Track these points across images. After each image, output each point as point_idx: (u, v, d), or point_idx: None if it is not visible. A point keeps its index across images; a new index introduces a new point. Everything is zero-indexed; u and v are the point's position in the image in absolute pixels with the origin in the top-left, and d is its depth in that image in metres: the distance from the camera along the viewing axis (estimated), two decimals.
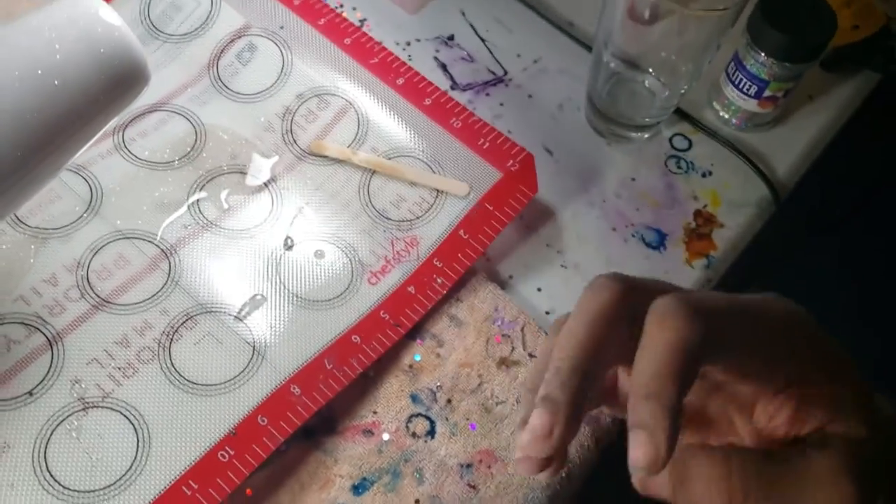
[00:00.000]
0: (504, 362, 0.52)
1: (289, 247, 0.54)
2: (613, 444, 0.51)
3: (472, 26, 0.66)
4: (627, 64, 0.59)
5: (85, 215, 0.52)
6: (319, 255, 0.54)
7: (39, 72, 0.38)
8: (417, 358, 0.52)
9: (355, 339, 0.51)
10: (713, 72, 0.63)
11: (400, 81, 0.59)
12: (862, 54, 0.66)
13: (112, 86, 0.41)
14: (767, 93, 0.60)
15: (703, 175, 0.61)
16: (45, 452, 0.45)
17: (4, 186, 0.38)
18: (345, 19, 0.62)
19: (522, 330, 0.53)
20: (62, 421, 0.46)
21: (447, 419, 0.50)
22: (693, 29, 0.54)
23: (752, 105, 0.61)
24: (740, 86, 0.61)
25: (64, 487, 0.44)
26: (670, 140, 0.63)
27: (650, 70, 0.59)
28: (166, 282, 0.51)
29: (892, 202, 0.67)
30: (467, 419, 0.50)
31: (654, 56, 0.58)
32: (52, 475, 0.44)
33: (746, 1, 0.52)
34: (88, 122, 0.41)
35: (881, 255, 0.65)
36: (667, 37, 0.55)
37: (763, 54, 0.58)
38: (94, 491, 0.44)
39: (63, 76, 0.39)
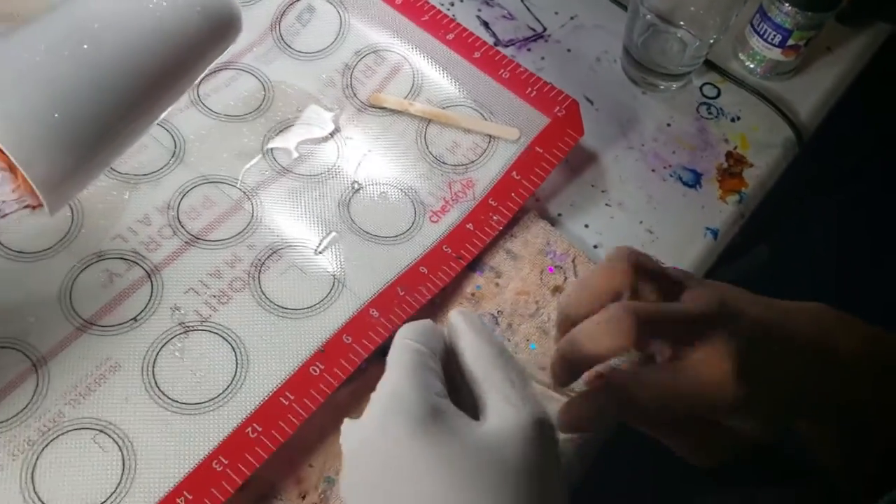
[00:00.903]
0: (558, 290, 0.57)
1: (356, 190, 0.58)
2: None
3: None
4: (661, 18, 0.63)
5: (171, 162, 0.56)
6: (384, 196, 0.58)
7: (156, 18, 0.43)
8: (479, 287, 0.57)
9: (423, 269, 0.55)
10: (738, 25, 0.68)
11: (450, 37, 0.64)
12: (875, 6, 0.71)
13: (213, 33, 0.46)
14: (791, 41, 0.65)
15: (733, 120, 0.66)
16: (153, 370, 0.49)
17: (135, 114, 0.43)
18: None
19: (573, 261, 0.58)
20: (166, 343, 0.50)
21: (509, 340, 0.55)
22: None
23: (776, 54, 0.66)
24: (765, 36, 0.65)
25: (172, 400, 0.48)
26: (701, 88, 0.67)
27: (681, 23, 0.64)
28: (250, 220, 0.55)
29: None
30: (527, 340, 0.55)
31: (685, 10, 0.63)
32: (160, 390, 0.49)
33: None
34: (194, 65, 0.46)
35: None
36: None
37: (787, 4, 0.63)
38: (201, 403, 0.48)
39: (173, 23, 0.44)
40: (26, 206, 0.47)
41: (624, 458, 0.56)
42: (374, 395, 0.39)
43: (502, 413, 0.37)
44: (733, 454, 0.44)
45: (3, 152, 0.43)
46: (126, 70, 0.45)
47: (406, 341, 0.40)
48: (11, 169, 0.45)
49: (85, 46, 0.43)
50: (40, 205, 0.46)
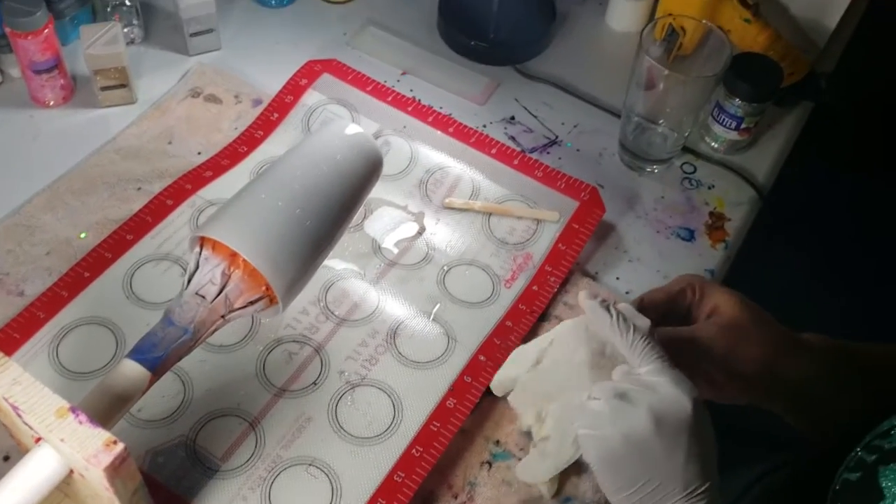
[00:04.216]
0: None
1: (446, 272, 0.78)
2: None
3: (525, 108, 0.93)
4: (646, 119, 0.85)
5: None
6: (468, 274, 0.78)
7: (336, 161, 0.64)
8: None
9: (508, 323, 0.74)
10: (701, 118, 0.90)
11: (493, 151, 0.85)
12: (799, 91, 0.94)
13: (369, 173, 0.67)
14: (743, 125, 0.88)
15: (709, 188, 0.88)
16: (336, 417, 0.67)
17: (331, 236, 0.63)
18: (444, 115, 0.87)
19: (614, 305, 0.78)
20: (341, 397, 0.68)
21: None
22: (690, 90, 0.81)
23: (734, 135, 0.89)
24: (724, 123, 0.88)
25: (355, 437, 0.66)
26: (681, 167, 0.89)
27: (661, 122, 0.86)
28: (378, 302, 0.74)
29: (838, 192, 0.95)
30: None
31: (664, 113, 0.85)
32: (344, 430, 0.67)
33: (727, 67, 0.79)
34: (360, 195, 0.67)
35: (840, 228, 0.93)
36: (672, 98, 0.82)
37: (738, 99, 0.86)
38: (376, 436, 0.66)
39: (350, 169, 0.65)
40: (252, 304, 0.65)
41: None
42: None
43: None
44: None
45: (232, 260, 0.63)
46: (324, 203, 0.66)
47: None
48: (230, 266, 0.63)
49: (296, 187, 0.64)
50: (268, 304, 0.65)
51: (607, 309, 0.57)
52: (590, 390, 0.56)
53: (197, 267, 0.62)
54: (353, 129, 0.72)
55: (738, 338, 0.60)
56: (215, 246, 0.63)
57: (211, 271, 0.62)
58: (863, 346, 0.64)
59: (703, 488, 0.52)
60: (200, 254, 0.63)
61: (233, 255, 0.63)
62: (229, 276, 0.62)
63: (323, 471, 0.64)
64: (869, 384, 0.62)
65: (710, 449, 0.53)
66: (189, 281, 0.62)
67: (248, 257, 0.62)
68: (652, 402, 0.52)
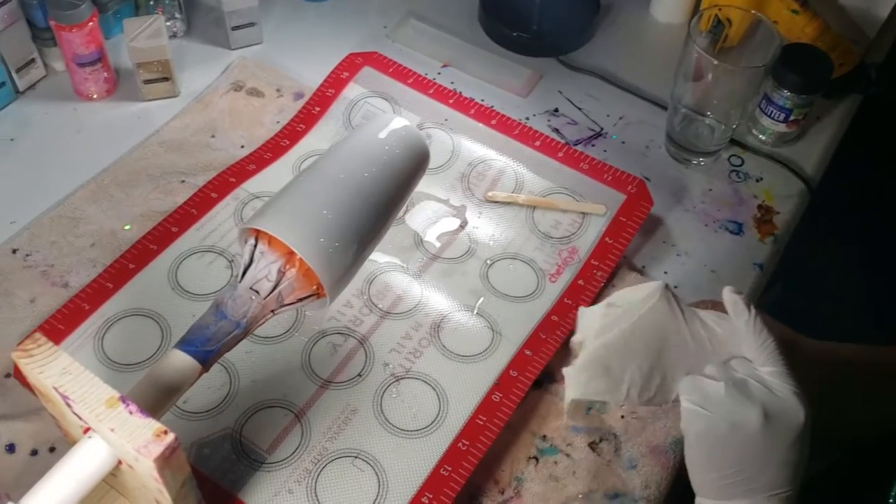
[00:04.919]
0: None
1: (489, 265, 0.77)
2: None
3: (569, 100, 0.91)
4: (693, 111, 0.84)
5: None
6: (511, 268, 0.77)
7: (386, 157, 0.63)
8: None
9: (554, 318, 0.73)
10: (748, 110, 0.88)
11: (537, 143, 0.84)
12: (848, 83, 0.92)
13: (417, 166, 0.66)
14: (792, 117, 0.86)
15: (757, 180, 0.86)
16: (381, 409, 0.66)
17: (378, 229, 0.62)
18: (486, 107, 0.86)
19: None
20: (386, 389, 0.68)
21: None
22: (738, 81, 0.79)
23: (781, 127, 0.87)
24: (772, 115, 0.86)
25: (400, 429, 0.66)
26: (729, 159, 0.88)
27: (709, 114, 0.84)
28: (422, 295, 0.73)
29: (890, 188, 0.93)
30: None
31: (711, 104, 0.83)
32: (390, 423, 0.66)
33: (776, 58, 0.77)
34: (407, 190, 0.66)
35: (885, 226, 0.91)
36: (720, 89, 0.80)
37: (786, 91, 0.84)
38: (421, 429, 0.66)
39: (394, 161, 0.64)
40: (301, 301, 0.65)
41: None
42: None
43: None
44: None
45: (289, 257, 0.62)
46: (374, 201, 0.66)
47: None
48: (286, 264, 0.63)
49: (351, 185, 0.64)
50: (315, 299, 0.65)
51: (748, 306, 0.57)
52: (706, 369, 0.57)
53: (251, 260, 0.62)
54: (399, 122, 0.71)
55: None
56: (271, 241, 0.63)
57: (267, 267, 0.61)
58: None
59: (786, 492, 0.54)
60: (256, 247, 0.62)
61: (290, 254, 0.63)
62: (284, 274, 0.62)
63: (369, 463, 0.64)
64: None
65: (804, 460, 0.54)
66: (243, 274, 0.61)
67: (307, 260, 0.62)
68: (769, 402, 0.53)
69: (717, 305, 0.61)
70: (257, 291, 0.61)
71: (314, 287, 0.63)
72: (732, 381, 0.55)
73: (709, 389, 0.55)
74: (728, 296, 0.58)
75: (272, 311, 0.61)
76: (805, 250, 0.87)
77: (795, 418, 0.53)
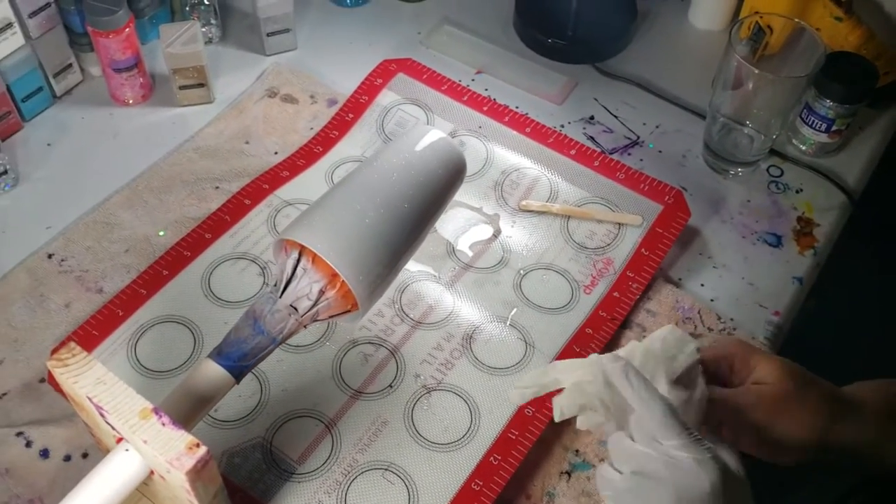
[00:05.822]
0: (692, 335, 0.74)
1: (523, 276, 0.76)
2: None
3: (605, 108, 0.90)
4: (732, 120, 0.82)
5: None
6: (545, 278, 0.76)
7: (424, 173, 0.63)
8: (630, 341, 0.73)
9: (588, 330, 0.72)
10: (789, 120, 0.86)
11: (572, 152, 0.83)
12: (894, 92, 0.90)
13: (453, 178, 0.66)
14: (834, 128, 0.84)
15: (797, 192, 0.84)
16: (412, 421, 0.66)
17: (413, 251, 0.62)
18: (521, 114, 0.85)
19: (699, 313, 0.75)
20: (417, 401, 0.67)
21: None
22: (779, 91, 0.78)
23: (823, 138, 0.85)
24: (813, 125, 0.84)
25: (432, 442, 0.65)
26: (767, 170, 0.86)
27: (748, 123, 0.83)
28: (454, 305, 0.73)
29: None
30: None
31: (750, 113, 0.82)
32: (421, 436, 0.65)
33: (819, 67, 0.75)
34: (443, 203, 0.65)
35: None
36: (760, 98, 0.79)
37: (829, 100, 0.82)
38: (453, 442, 0.65)
39: (433, 177, 0.64)
40: (333, 317, 0.65)
41: None
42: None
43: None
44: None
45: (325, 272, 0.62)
46: (412, 216, 0.66)
47: None
48: (327, 284, 0.62)
49: (393, 201, 0.64)
50: (347, 314, 0.64)
51: (627, 378, 0.53)
52: (609, 457, 0.54)
53: (292, 275, 0.61)
54: (436, 134, 0.70)
55: (778, 409, 0.58)
56: (315, 259, 0.62)
57: (309, 286, 0.61)
58: None
59: None
60: (299, 262, 0.62)
61: (333, 276, 0.62)
62: (324, 293, 0.61)
63: (399, 476, 0.63)
64: None
65: None
66: (284, 290, 0.61)
67: (355, 290, 0.61)
68: (676, 479, 0.51)
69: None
70: (296, 308, 0.60)
71: (349, 305, 0.63)
72: (635, 470, 0.52)
73: (617, 483, 0.53)
74: (606, 366, 0.54)
75: (305, 325, 0.61)
76: (846, 264, 0.85)
77: (700, 489, 0.50)
